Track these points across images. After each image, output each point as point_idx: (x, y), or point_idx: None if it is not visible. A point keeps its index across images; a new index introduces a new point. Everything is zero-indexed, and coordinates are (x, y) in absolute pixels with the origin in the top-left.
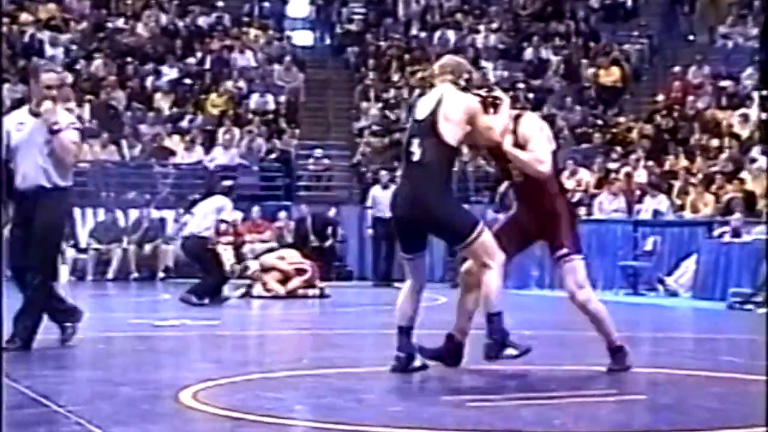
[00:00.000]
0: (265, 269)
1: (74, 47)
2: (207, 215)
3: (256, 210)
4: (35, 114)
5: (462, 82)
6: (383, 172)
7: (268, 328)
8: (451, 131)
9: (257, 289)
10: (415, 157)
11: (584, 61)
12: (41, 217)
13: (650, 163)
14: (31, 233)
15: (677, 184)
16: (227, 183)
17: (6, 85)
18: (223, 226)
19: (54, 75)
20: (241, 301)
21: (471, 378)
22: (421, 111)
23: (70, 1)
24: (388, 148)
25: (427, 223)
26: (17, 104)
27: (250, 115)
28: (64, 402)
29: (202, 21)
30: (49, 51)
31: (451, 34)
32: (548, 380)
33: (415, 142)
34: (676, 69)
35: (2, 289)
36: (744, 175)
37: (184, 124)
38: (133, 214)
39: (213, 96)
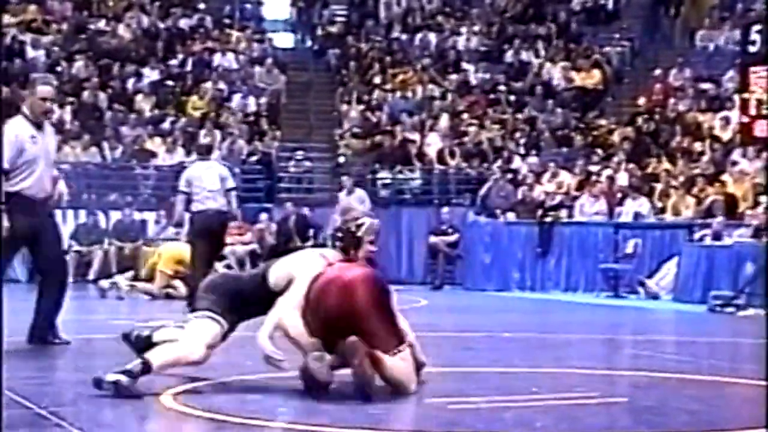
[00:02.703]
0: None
1: (56, 49)
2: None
3: None
4: (38, 125)
5: None
6: (344, 178)
7: (249, 330)
8: None
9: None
10: None
11: (565, 63)
12: (55, 224)
13: (631, 165)
14: (46, 241)
15: (658, 187)
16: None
17: None
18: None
19: (50, 88)
20: None
21: (452, 380)
22: None
23: (52, 3)
24: (369, 149)
25: None
26: None
27: (232, 117)
28: (46, 403)
29: (184, 23)
30: (30, 53)
31: (433, 37)
32: (529, 382)
33: None
34: (657, 72)
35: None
36: (725, 177)
37: (166, 125)
38: (114, 215)
39: (194, 98)
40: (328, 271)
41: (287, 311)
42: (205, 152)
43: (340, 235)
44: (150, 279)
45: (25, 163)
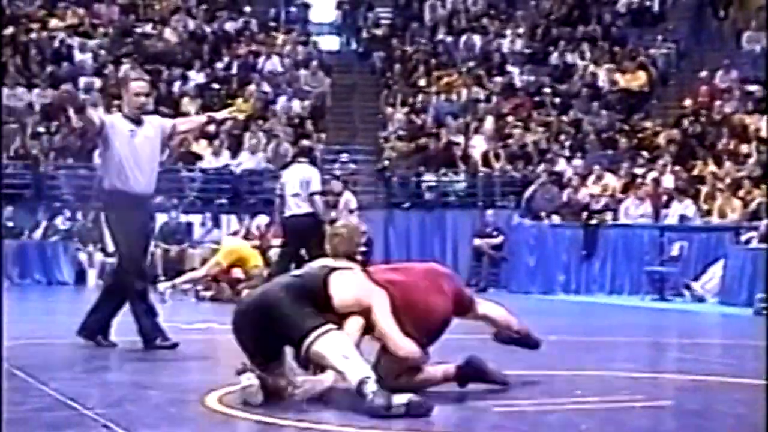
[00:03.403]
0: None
1: (102, 52)
2: (300, 191)
3: None
4: (137, 121)
5: None
6: (334, 181)
7: None
8: None
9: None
10: None
11: (610, 65)
12: (150, 226)
13: (677, 168)
14: (146, 237)
15: (704, 189)
16: (306, 143)
17: (36, 90)
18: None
19: (143, 83)
20: None
21: None
22: None
23: (99, 7)
24: (414, 152)
25: None
26: (46, 108)
27: (277, 120)
28: (92, 404)
29: (230, 26)
30: (78, 56)
31: (478, 39)
32: (574, 385)
33: None
34: (704, 73)
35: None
36: None
37: (211, 128)
38: (160, 218)
39: (239, 101)
40: (403, 284)
41: (400, 337)
42: (300, 155)
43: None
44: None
45: (124, 158)
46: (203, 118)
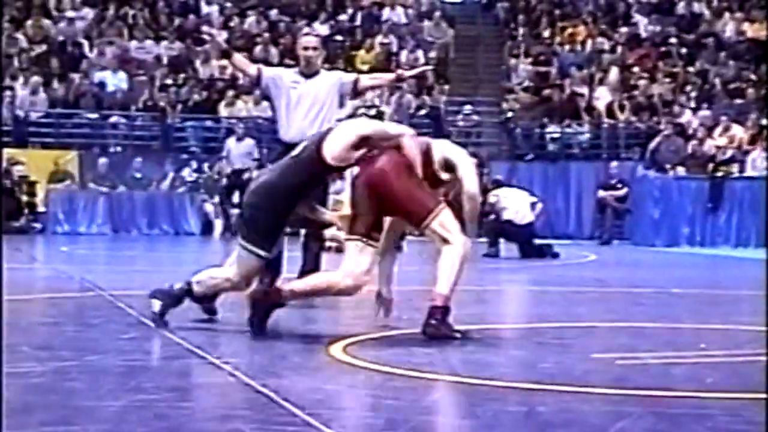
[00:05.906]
0: None
1: (228, 5)
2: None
3: None
4: (307, 75)
5: None
6: (240, 124)
7: (417, 283)
8: None
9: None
10: None
11: (738, 14)
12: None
13: None
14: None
15: None
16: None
17: (163, 43)
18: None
19: (310, 38)
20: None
21: (621, 335)
22: None
23: None
24: (538, 103)
25: None
26: (174, 60)
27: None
28: (218, 354)
29: None
30: (204, 9)
31: None
32: (698, 339)
33: None
34: None
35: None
36: None
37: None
38: None
39: (362, 52)
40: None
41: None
42: None
43: None
44: None
45: (282, 109)
46: (392, 75)
